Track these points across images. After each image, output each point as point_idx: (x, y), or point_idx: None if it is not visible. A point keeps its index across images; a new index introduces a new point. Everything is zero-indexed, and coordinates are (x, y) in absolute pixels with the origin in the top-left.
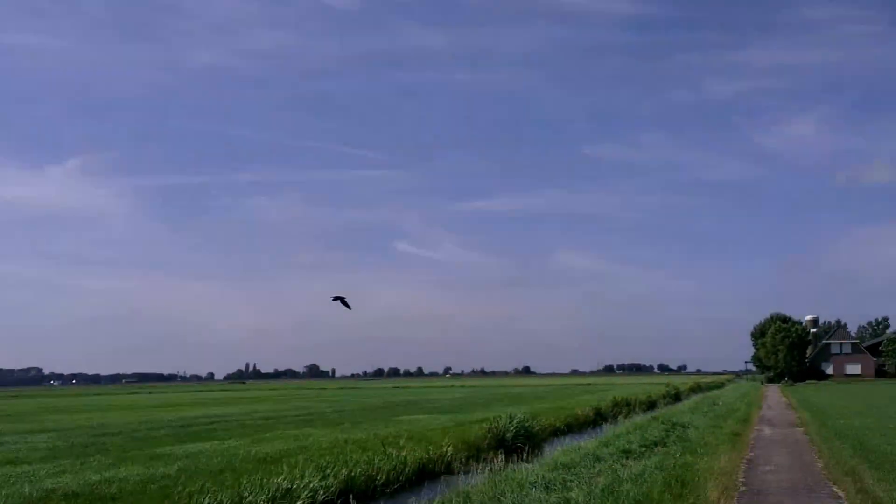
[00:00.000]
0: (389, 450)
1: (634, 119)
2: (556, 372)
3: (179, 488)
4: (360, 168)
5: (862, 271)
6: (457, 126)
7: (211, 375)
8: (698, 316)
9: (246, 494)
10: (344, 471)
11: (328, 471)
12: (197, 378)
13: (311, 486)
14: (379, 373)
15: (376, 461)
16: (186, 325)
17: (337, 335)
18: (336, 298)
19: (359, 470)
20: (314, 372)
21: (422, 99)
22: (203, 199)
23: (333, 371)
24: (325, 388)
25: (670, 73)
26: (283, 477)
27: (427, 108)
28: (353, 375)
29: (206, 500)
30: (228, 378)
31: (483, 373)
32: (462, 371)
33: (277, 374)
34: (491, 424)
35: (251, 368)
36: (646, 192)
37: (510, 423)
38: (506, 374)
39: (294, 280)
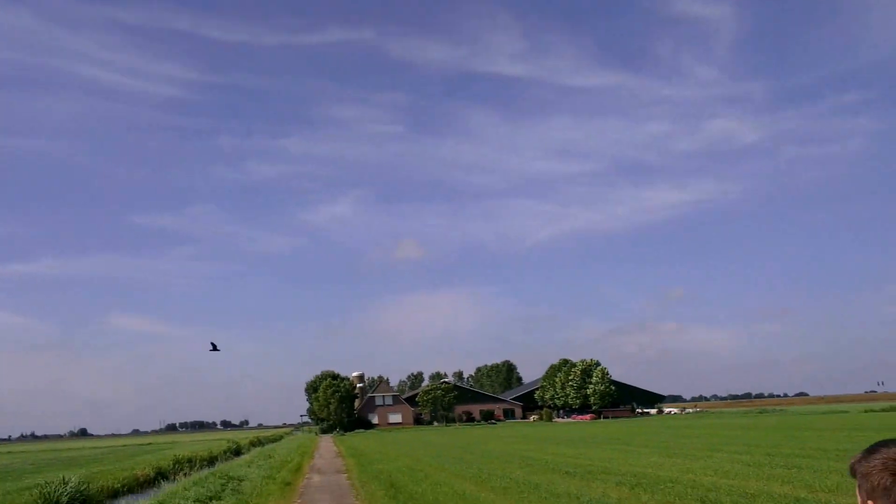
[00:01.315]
0: None
1: (184, 193)
2: (117, 433)
3: None
4: None
5: (400, 332)
6: None
7: None
8: (259, 374)
9: None
10: None
11: None
12: None
13: None
14: None
15: None
16: None
17: None
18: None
19: None
20: None
21: None
22: None
23: None
24: None
25: (217, 153)
26: None
27: None
28: None
29: None
30: None
31: (34, 437)
32: (9, 437)
33: None
34: (42, 490)
35: None
36: (198, 259)
37: (64, 488)
38: (60, 437)
39: None
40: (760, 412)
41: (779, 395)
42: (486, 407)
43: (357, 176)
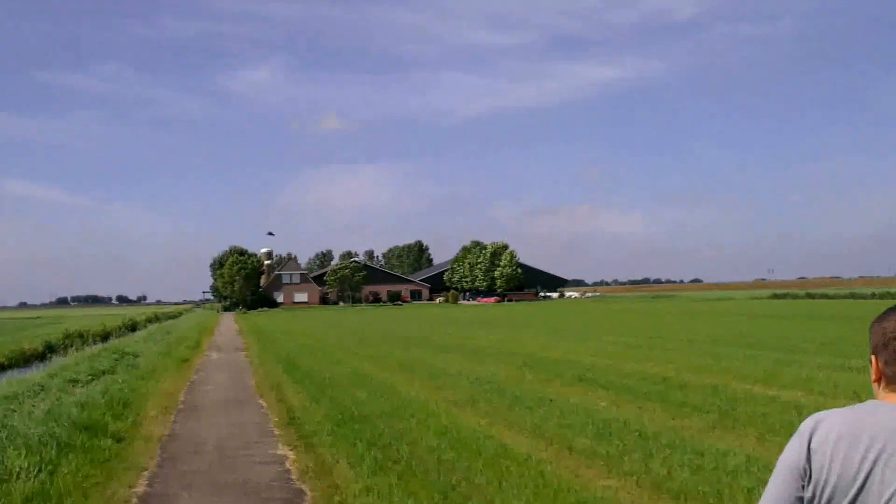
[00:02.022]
0: None
1: (93, 49)
2: (2, 305)
3: None
4: None
5: (315, 208)
6: None
7: None
8: (162, 248)
9: None
10: None
11: None
12: None
13: None
14: None
15: None
16: None
17: None
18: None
19: None
20: None
21: None
22: None
23: None
24: None
25: (131, 6)
26: None
27: None
28: None
29: None
30: None
31: None
32: None
33: None
34: None
35: None
36: (105, 122)
37: None
38: None
39: None
40: (654, 297)
41: (675, 281)
42: (394, 288)
43: (282, 40)
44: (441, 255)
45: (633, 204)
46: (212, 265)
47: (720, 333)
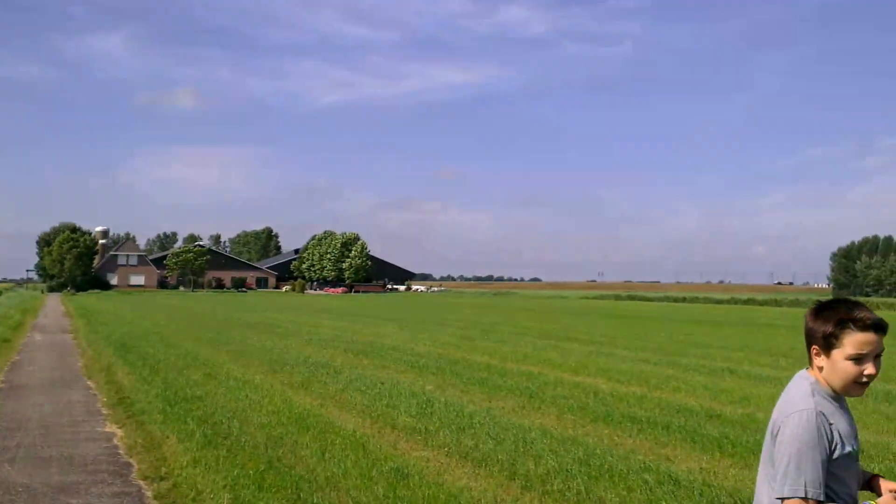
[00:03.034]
0: None
1: None
2: None
3: None
4: None
5: (159, 188)
6: None
7: None
8: None
9: None
10: None
11: None
12: None
13: None
14: None
15: None
16: None
17: None
18: None
19: None
20: None
21: None
22: None
23: None
24: None
25: None
26: None
27: None
28: None
29: None
30: None
31: None
32: None
33: None
34: None
35: None
36: None
37: None
38: None
39: None
40: (495, 294)
41: (517, 279)
42: (240, 274)
43: (134, 9)
44: (291, 243)
45: (481, 204)
46: (38, 242)
47: (547, 328)
